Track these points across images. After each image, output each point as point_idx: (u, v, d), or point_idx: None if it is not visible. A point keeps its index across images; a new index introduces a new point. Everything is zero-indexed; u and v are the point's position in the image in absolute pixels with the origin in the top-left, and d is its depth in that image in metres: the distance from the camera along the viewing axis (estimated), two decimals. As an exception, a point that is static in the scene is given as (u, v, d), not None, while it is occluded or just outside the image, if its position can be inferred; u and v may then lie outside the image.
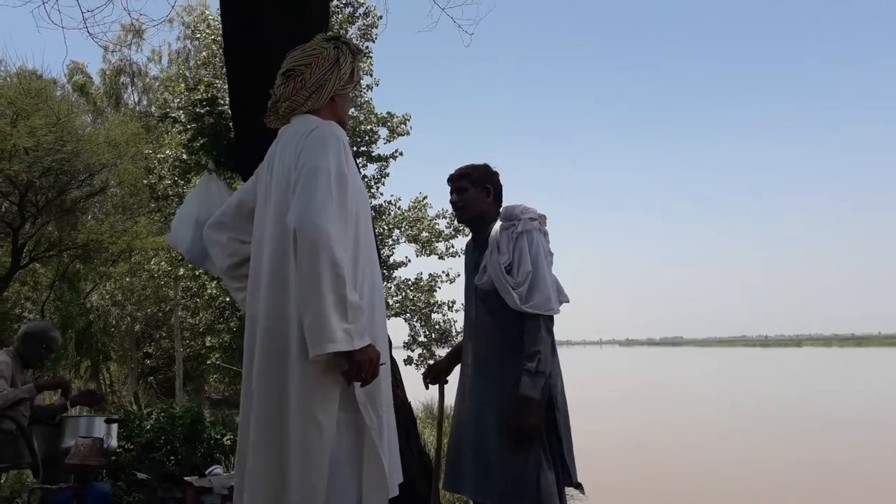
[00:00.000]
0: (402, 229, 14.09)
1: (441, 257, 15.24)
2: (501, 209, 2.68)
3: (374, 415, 1.87)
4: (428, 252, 14.84)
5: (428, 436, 7.43)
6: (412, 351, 14.36)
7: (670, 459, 9.87)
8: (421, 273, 14.38)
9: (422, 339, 14.49)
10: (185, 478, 3.82)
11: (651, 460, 9.74)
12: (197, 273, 12.89)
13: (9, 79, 13.71)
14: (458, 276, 15.41)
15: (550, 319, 2.50)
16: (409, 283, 14.10)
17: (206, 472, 4.32)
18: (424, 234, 14.39)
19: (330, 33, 2.32)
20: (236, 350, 13.63)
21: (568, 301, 2.64)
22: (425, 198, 14.62)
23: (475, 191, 2.68)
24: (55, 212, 12.25)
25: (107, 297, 14.96)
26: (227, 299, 13.04)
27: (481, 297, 2.60)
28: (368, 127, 12.76)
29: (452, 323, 15.91)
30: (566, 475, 2.48)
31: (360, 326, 1.79)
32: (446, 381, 2.96)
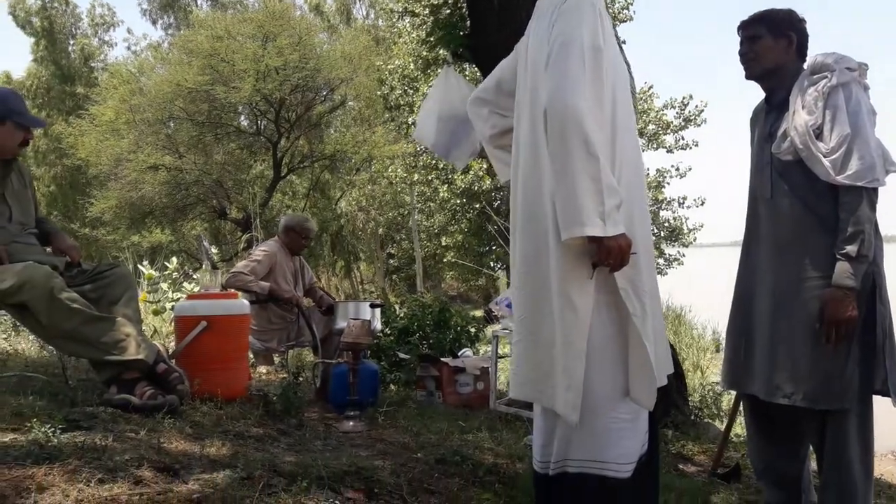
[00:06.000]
0: (627, 123, 13.58)
1: (669, 151, 14.47)
2: (808, 61, 2.22)
3: (636, 301, 1.77)
4: (655, 146, 14.19)
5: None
6: (641, 249, 14.07)
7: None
8: (647, 168, 13.80)
9: (650, 236, 14.13)
10: (441, 358, 4.16)
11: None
12: (430, 178, 13.58)
13: (255, 4, 15.08)
14: (690, 169, 14.54)
15: (874, 192, 2.08)
16: (636, 178, 13.68)
17: (458, 354, 4.65)
18: (651, 126, 13.75)
19: None
20: (469, 249, 14.31)
21: None
22: (651, 88, 13.85)
23: (772, 39, 2.24)
24: (304, 126, 13.50)
25: (353, 203, 16.41)
26: (458, 202, 13.63)
27: (779, 171, 2.22)
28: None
29: (683, 220, 15.14)
30: (885, 378, 2.10)
31: (614, 210, 1.69)
32: None
